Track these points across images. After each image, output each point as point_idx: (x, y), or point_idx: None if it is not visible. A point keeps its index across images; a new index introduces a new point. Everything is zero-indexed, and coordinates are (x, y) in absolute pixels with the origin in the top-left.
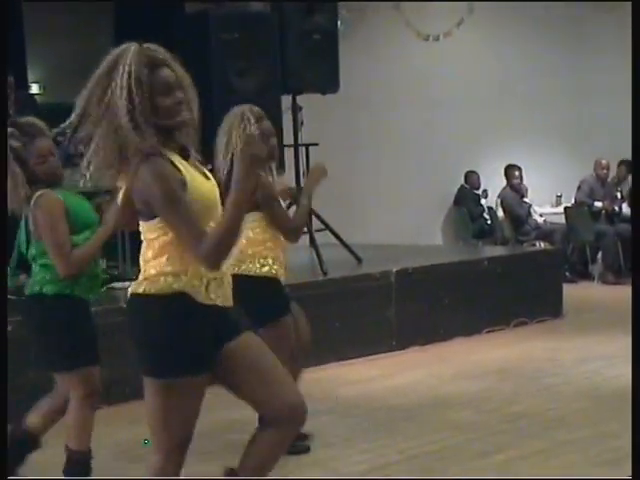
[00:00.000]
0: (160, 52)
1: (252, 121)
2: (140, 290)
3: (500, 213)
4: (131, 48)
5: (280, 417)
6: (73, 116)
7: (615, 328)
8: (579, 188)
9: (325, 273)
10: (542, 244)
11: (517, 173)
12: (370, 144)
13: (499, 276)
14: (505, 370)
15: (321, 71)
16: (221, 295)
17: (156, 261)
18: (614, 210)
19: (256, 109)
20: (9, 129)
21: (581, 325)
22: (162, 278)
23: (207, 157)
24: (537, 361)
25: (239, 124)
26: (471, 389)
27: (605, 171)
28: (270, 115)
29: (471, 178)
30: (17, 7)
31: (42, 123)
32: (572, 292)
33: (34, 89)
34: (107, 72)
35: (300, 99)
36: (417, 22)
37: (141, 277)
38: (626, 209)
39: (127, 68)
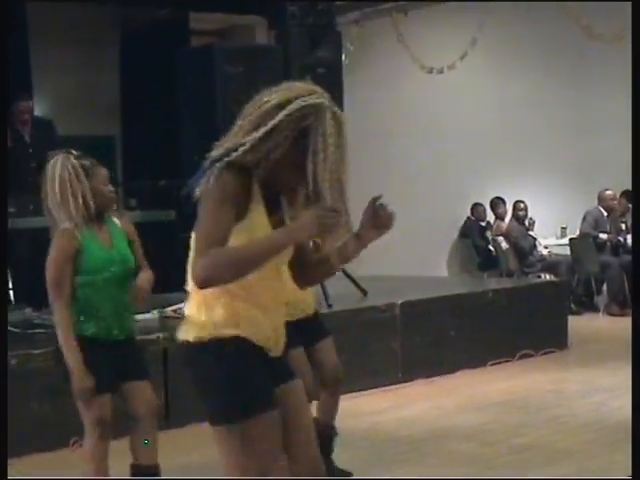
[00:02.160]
0: (341, 116)
1: None
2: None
3: (505, 245)
4: (325, 102)
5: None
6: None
7: (620, 360)
8: (584, 220)
9: (330, 306)
10: (547, 276)
11: (522, 205)
12: (375, 177)
13: (504, 308)
14: (510, 402)
15: None
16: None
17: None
18: (619, 242)
19: None
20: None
21: (586, 357)
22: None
23: None
24: (542, 393)
25: None
26: (476, 421)
27: (613, 202)
28: None
29: (477, 210)
30: (23, 42)
31: None
32: (577, 324)
33: None
34: (282, 109)
35: None
36: (421, 55)
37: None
38: (631, 240)
39: (324, 125)
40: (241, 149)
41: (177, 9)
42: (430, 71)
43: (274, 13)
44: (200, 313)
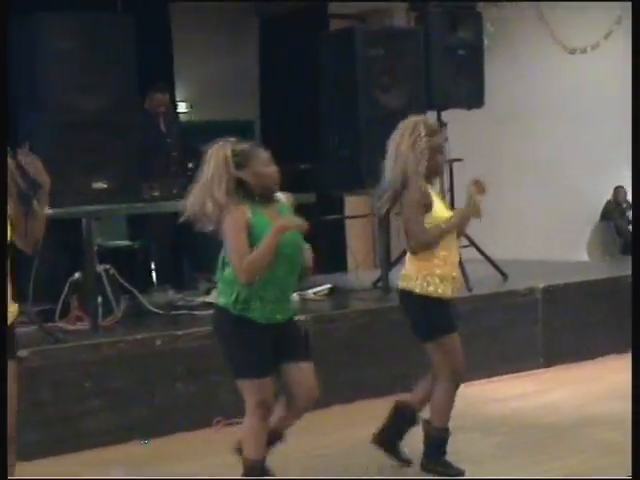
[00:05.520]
0: None
1: (422, 135)
2: None
3: None
4: None
5: None
6: None
7: None
8: None
9: (470, 289)
10: None
11: None
12: (515, 159)
13: None
14: None
15: (466, 86)
16: None
17: None
18: None
19: (431, 122)
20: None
21: None
22: None
23: (348, 169)
24: None
25: (410, 135)
26: (621, 409)
27: None
28: None
29: (619, 193)
30: (166, 28)
31: None
32: None
33: (182, 107)
34: None
35: (445, 114)
36: (563, 35)
37: None
38: None
39: None
40: None
41: None
42: (573, 51)
43: None
44: None
